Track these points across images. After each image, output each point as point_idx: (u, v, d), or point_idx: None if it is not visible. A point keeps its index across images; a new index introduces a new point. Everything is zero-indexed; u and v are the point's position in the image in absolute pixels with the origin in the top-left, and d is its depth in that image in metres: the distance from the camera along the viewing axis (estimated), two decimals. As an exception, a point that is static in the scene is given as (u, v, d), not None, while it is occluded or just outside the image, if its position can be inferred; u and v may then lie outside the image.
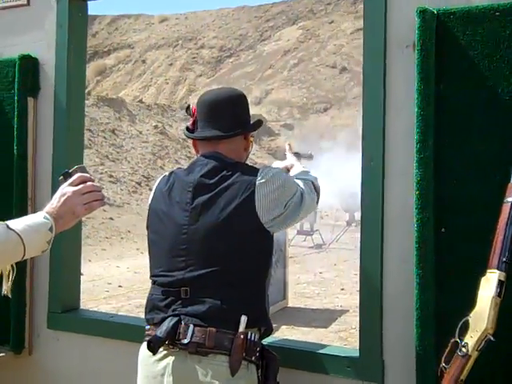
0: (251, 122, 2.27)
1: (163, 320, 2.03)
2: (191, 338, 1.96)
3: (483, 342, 1.76)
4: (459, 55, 2.08)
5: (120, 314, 7.97)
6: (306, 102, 40.83)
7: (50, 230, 1.79)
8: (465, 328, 1.81)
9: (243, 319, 1.96)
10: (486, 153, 2.04)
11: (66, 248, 2.88)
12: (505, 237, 1.82)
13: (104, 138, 21.64)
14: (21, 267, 2.84)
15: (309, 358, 2.35)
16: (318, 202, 2.27)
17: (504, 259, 1.80)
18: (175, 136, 24.76)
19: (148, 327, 2.11)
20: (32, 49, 2.94)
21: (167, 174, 2.24)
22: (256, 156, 29.88)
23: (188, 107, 2.25)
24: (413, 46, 2.16)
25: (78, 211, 1.85)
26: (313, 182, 2.27)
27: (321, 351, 2.36)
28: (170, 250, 2.09)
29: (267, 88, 43.74)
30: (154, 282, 2.13)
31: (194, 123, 2.23)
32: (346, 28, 49.21)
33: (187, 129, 2.26)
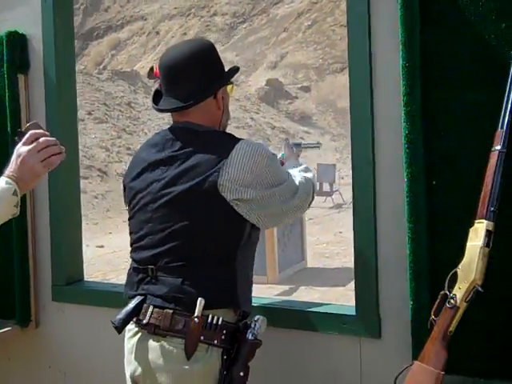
0: (226, 70, 2.09)
1: (134, 297, 2.01)
2: (149, 319, 1.94)
3: (472, 293, 1.75)
4: (443, 2, 2.02)
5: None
6: (322, 63, 40.41)
7: (15, 193, 1.77)
8: (454, 280, 1.80)
9: (199, 302, 1.89)
10: (475, 102, 1.99)
11: (66, 219, 2.90)
12: (493, 185, 1.79)
13: (120, 111, 21.64)
14: (22, 240, 2.88)
15: (305, 318, 2.34)
16: (310, 205, 2.13)
17: (492, 208, 1.77)
18: (191, 105, 24.73)
19: None
20: (19, 25, 2.91)
21: (142, 146, 2.16)
22: (274, 120, 29.74)
23: (151, 69, 2.11)
24: (396, -6, 2.10)
25: (36, 169, 1.80)
26: (312, 184, 2.14)
27: (316, 310, 2.36)
28: (139, 226, 2.05)
29: (282, 52, 43.31)
30: (131, 258, 2.10)
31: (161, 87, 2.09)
32: (360, -15, 48.39)
33: (156, 93, 2.11)
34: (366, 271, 2.21)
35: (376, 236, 2.18)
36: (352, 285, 7.37)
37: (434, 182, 2.06)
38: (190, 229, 1.94)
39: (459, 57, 2.01)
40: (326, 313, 2.32)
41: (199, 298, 1.88)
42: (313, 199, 2.13)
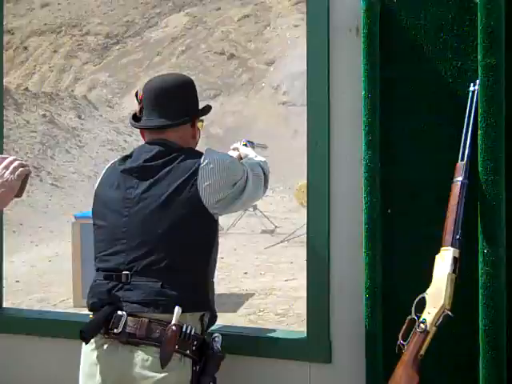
0: (200, 108, 2.25)
1: (102, 306, 2.01)
2: (123, 328, 1.95)
3: (441, 318, 1.83)
4: (403, 39, 2.12)
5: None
6: (197, 89, 40.64)
7: None
8: (421, 305, 1.87)
9: (176, 310, 1.94)
10: (432, 135, 2.09)
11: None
12: (457, 215, 1.89)
13: (-12, 127, 20.68)
14: None
15: (254, 343, 2.35)
16: (266, 185, 2.26)
17: (458, 237, 1.87)
18: (64, 125, 24.00)
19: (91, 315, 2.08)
20: None
21: (116, 159, 2.23)
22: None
23: (136, 93, 2.21)
24: (356, 29, 2.18)
25: (10, 181, 1.90)
26: (260, 165, 2.27)
27: (266, 335, 2.37)
28: (112, 233, 2.08)
29: (156, 75, 43.18)
30: (97, 269, 2.11)
31: (142, 110, 2.20)
32: (233, 15, 49.15)
33: (134, 116, 2.23)
34: (317, 295, 2.25)
35: (329, 262, 2.23)
36: (242, 310, 7.37)
37: (389, 211, 2.14)
38: (172, 231, 2.01)
39: (417, 90, 2.11)
40: (275, 337, 2.33)
41: (176, 307, 1.94)
42: (266, 174, 2.25)
